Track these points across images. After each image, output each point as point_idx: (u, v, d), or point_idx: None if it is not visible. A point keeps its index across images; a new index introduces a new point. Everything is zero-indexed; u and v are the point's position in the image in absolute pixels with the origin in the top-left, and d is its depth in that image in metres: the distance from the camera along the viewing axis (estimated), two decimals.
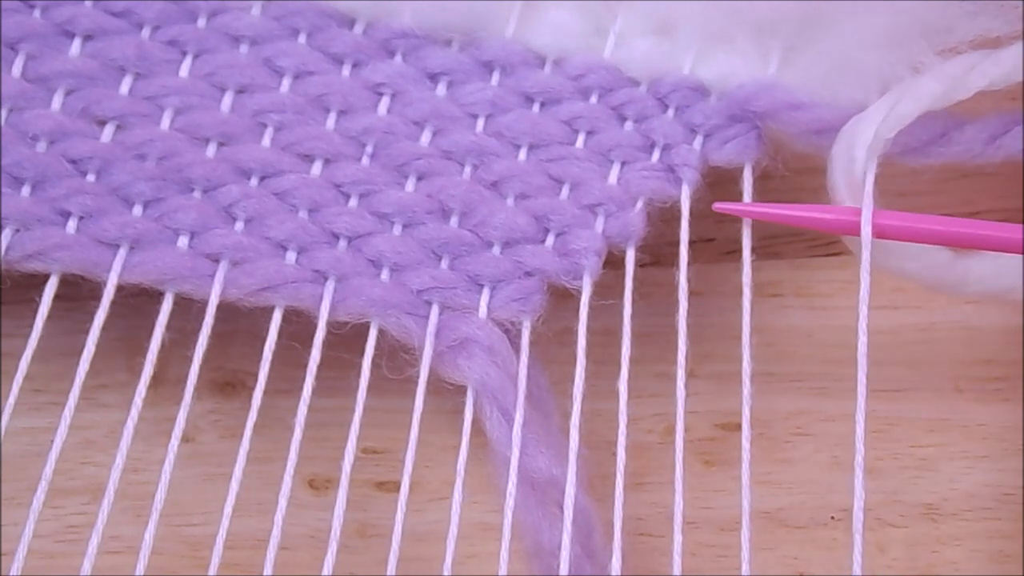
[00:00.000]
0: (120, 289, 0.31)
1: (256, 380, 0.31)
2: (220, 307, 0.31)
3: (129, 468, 0.30)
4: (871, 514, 0.33)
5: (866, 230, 0.31)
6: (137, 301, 0.31)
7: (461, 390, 0.31)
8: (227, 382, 0.33)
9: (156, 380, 0.32)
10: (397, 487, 0.30)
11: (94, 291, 0.31)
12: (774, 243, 0.36)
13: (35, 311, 0.30)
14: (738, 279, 0.32)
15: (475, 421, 0.31)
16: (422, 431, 0.31)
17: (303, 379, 0.31)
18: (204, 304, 0.31)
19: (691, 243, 0.33)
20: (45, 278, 0.31)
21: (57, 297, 0.31)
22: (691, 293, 0.32)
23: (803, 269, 0.37)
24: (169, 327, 0.31)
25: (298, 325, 0.32)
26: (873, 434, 0.33)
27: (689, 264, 0.33)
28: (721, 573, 0.33)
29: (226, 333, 0.32)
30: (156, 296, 0.31)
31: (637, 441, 0.31)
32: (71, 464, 0.33)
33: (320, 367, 0.31)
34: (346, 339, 0.32)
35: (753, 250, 0.33)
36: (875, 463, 0.34)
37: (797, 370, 0.36)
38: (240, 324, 0.32)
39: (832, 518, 0.33)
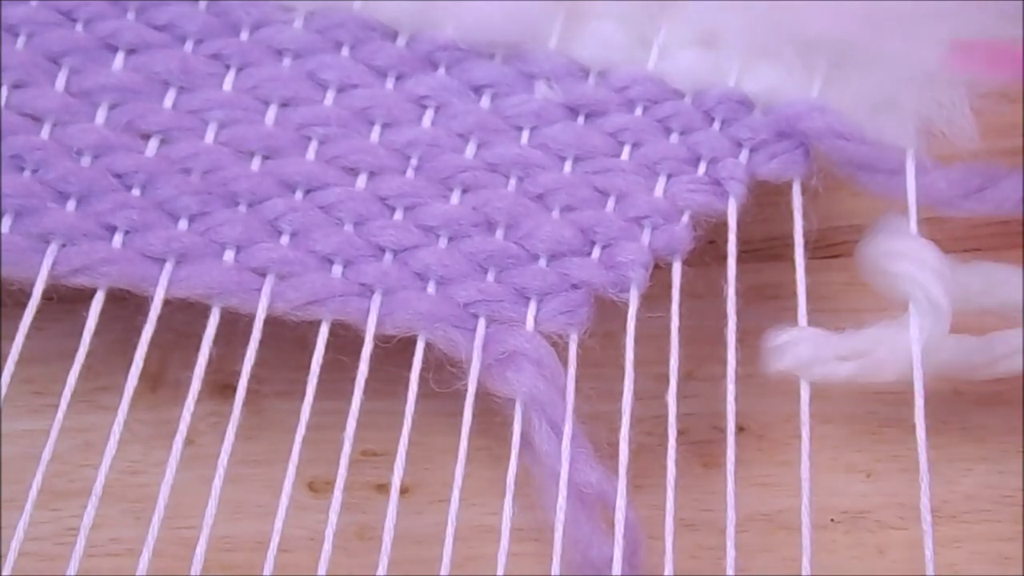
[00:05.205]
0: (120, 292, 0.31)
1: (258, 383, 0.31)
2: (221, 309, 0.31)
3: (129, 471, 0.30)
4: (871, 516, 0.33)
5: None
6: (138, 300, 0.31)
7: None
8: (227, 384, 0.33)
9: (156, 382, 0.31)
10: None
11: (93, 293, 0.31)
12: (774, 245, 0.36)
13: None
14: (739, 281, 0.33)
15: (476, 425, 0.31)
16: (421, 434, 0.31)
17: (304, 381, 0.30)
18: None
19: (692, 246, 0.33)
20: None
21: (58, 299, 0.31)
22: (690, 295, 0.32)
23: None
24: (169, 329, 0.31)
25: (303, 328, 0.32)
26: (872, 436, 0.34)
27: (689, 266, 0.33)
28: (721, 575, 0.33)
29: (227, 335, 0.31)
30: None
31: (638, 443, 0.31)
32: (71, 466, 0.32)
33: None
34: (391, 352, 0.32)
35: (754, 252, 0.33)
36: (875, 465, 0.34)
37: None
38: (241, 326, 0.31)
39: (832, 520, 0.33)
